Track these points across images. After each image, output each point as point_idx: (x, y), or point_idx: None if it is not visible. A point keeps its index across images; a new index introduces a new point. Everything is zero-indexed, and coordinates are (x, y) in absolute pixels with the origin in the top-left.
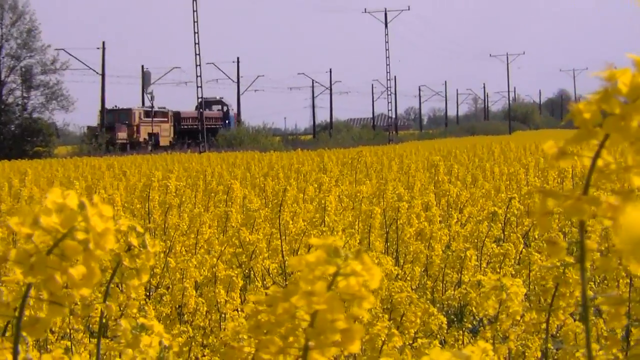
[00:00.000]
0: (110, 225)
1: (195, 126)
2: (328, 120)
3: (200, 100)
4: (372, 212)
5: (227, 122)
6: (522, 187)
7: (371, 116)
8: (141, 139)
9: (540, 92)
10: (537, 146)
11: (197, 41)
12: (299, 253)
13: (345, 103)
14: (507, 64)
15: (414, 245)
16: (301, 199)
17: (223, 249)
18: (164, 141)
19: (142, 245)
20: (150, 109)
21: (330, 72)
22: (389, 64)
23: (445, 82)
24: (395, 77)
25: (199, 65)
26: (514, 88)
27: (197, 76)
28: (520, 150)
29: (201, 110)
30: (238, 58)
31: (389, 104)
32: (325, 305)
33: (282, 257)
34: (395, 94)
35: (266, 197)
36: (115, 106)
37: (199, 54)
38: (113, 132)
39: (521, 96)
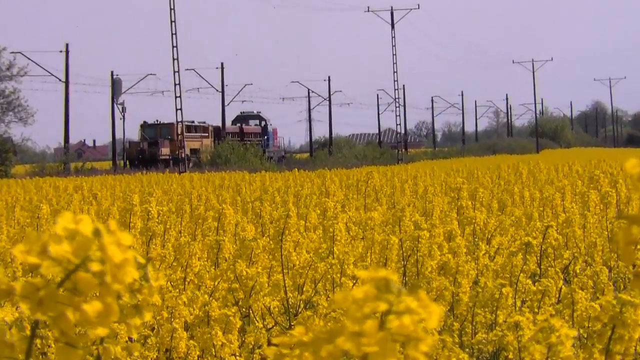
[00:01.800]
0: (129, 256)
1: (237, 141)
2: (327, 135)
3: (238, 114)
4: (389, 242)
5: (266, 138)
6: (558, 214)
7: (377, 131)
8: (184, 155)
9: (571, 105)
10: (570, 167)
11: (174, 44)
12: (304, 289)
13: (347, 116)
14: (533, 72)
15: (437, 280)
16: (302, 227)
17: (216, 283)
18: (205, 157)
19: (144, 278)
20: (191, 124)
21: (329, 80)
22: (396, 71)
23: (462, 92)
24: (403, 86)
25: (178, 71)
26: (542, 100)
27: (175, 84)
28: (552, 172)
29: (240, 124)
30: (222, 64)
31: (397, 117)
32: (377, 348)
33: (285, 293)
34: (405, 106)
35: (262, 224)
36: (157, 120)
37: (177, 59)
38: (157, 148)
39: (549, 109)
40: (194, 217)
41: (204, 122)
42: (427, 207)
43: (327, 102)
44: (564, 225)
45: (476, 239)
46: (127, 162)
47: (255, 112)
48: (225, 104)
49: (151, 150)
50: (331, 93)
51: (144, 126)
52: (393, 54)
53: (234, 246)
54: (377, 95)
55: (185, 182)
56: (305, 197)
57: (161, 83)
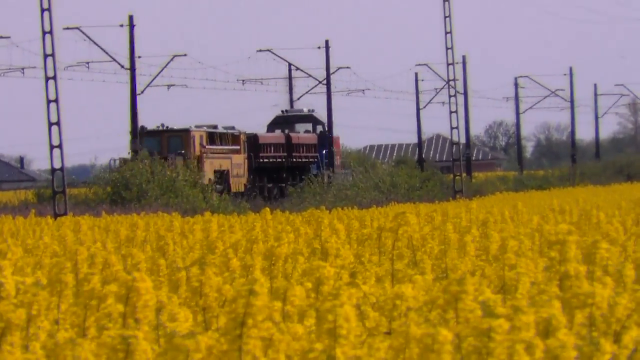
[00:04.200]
0: None
1: (280, 160)
2: None
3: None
4: (435, 340)
5: (325, 152)
6: None
7: (416, 140)
8: (205, 180)
9: None
10: None
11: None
12: None
13: (361, 113)
14: None
15: None
16: (279, 313)
17: None
18: (236, 185)
19: None
20: (214, 130)
21: (327, 47)
22: (450, 32)
23: (571, 70)
24: (463, 58)
25: (49, 32)
26: None
27: (45, 55)
28: None
29: (284, 131)
30: (131, 17)
31: (453, 114)
32: None
33: None
34: (466, 94)
35: (206, 308)
36: (162, 125)
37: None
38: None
39: None
40: (82, 296)
41: (233, 128)
42: (507, 276)
43: (325, 87)
44: None
45: (595, 334)
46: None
47: (305, 110)
48: (138, 92)
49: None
50: (330, 71)
51: (142, 134)
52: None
53: (156, 347)
54: (416, 75)
55: (67, 233)
56: (285, 259)
57: (23, 53)
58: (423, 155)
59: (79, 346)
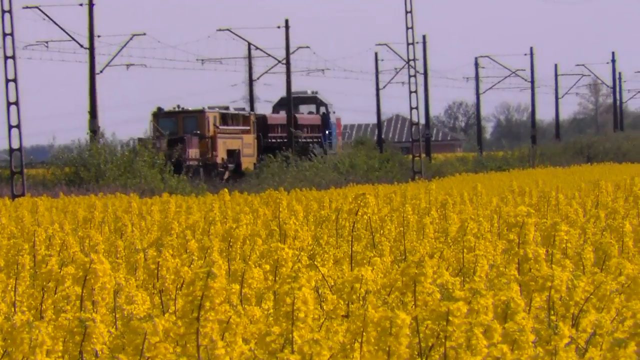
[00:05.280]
0: None
1: (285, 140)
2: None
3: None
4: (394, 323)
5: (327, 133)
6: None
7: (375, 121)
8: (218, 159)
9: None
10: None
11: None
12: None
13: (320, 92)
14: None
15: None
16: (236, 296)
17: None
18: (246, 164)
19: None
20: (226, 111)
21: (287, 27)
22: (410, 11)
23: (531, 50)
24: (424, 38)
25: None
26: None
27: (3, 35)
28: None
29: (290, 112)
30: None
31: (413, 94)
32: None
33: None
34: (426, 74)
35: (163, 290)
36: (178, 106)
37: None
38: (182, 148)
39: None
40: (39, 278)
41: (243, 109)
42: (466, 259)
43: (284, 66)
44: None
45: (554, 317)
46: None
47: (309, 92)
48: (97, 68)
49: (174, 152)
50: (290, 50)
51: (159, 115)
52: None
53: (113, 330)
54: (376, 54)
55: (24, 214)
56: (243, 241)
57: None
58: (382, 136)
59: (36, 329)
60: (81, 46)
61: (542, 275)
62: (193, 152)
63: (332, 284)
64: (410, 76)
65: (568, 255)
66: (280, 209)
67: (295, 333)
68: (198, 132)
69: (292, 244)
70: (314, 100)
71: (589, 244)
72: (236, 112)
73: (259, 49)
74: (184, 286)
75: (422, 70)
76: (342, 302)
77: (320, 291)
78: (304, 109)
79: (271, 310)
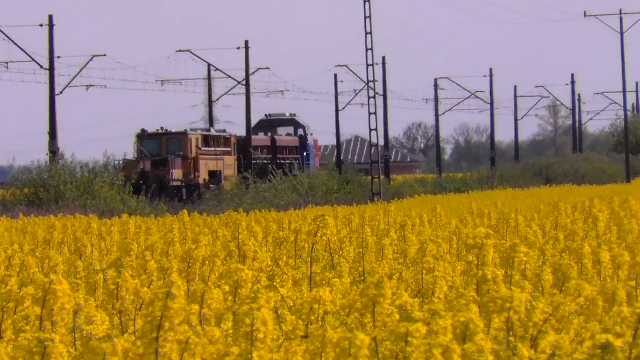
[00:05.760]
0: None
1: (267, 160)
2: None
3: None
4: (353, 344)
5: (305, 154)
6: None
7: (334, 142)
8: (200, 180)
9: None
10: None
11: None
12: None
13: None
14: (622, 34)
15: None
16: (196, 316)
17: None
18: (228, 184)
19: None
20: (208, 133)
21: (247, 49)
22: (370, 32)
23: (491, 71)
24: (384, 59)
25: None
26: (637, 85)
27: None
28: None
29: (269, 134)
30: (51, 17)
31: (372, 116)
32: None
33: None
34: (386, 96)
35: (123, 311)
36: (162, 128)
37: None
38: (165, 170)
39: None
40: None
41: (224, 131)
42: (425, 280)
43: (244, 87)
44: None
45: (513, 338)
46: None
47: (287, 114)
48: (57, 89)
49: (158, 173)
50: (250, 71)
51: (143, 137)
52: (365, 0)
53: (72, 351)
54: (335, 76)
55: None
56: (203, 261)
57: None
58: (342, 157)
59: None
60: (41, 67)
61: (501, 296)
62: (176, 173)
63: (292, 304)
64: (369, 97)
65: (527, 276)
66: (240, 230)
67: (255, 354)
68: (181, 153)
69: (252, 265)
70: (292, 122)
71: (548, 266)
72: (217, 133)
73: (218, 70)
74: (143, 307)
75: (381, 92)
76: (301, 323)
77: (279, 312)
78: (282, 131)
79: (231, 331)
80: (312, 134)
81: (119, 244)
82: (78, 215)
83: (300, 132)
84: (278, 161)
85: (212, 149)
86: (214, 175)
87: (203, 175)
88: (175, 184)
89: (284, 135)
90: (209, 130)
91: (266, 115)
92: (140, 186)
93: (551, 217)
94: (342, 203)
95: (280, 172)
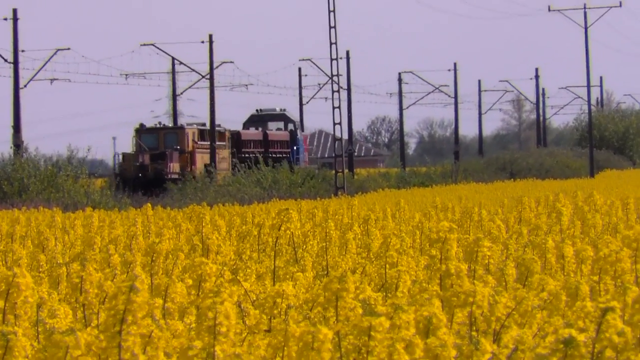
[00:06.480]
0: None
1: (259, 154)
2: None
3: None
4: (316, 338)
5: (295, 149)
6: (627, 288)
7: None
8: (197, 173)
9: None
10: None
11: None
12: None
13: (245, 108)
14: (586, 29)
15: None
16: (159, 310)
17: None
18: (221, 176)
19: None
20: (203, 127)
21: (210, 42)
22: (333, 26)
23: (455, 65)
24: (347, 53)
25: None
26: (600, 80)
27: None
28: (617, 211)
29: (261, 129)
30: (15, 11)
31: (336, 110)
32: None
33: None
34: (350, 90)
35: (86, 304)
36: (159, 123)
37: None
38: (163, 163)
39: (615, 97)
40: None
41: (219, 125)
42: (388, 274)
43: (208, 81)
44: (636, 307)
45: (475, 333)
46: (121, 183)
47: (278, 109)
48: (21, 83)
49: (156, 166)
50: (214, 65)
51: (141, 131)
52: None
53: (35, 344)
54: (299, 70)
55: None
56: (166, 255)
57: None
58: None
59: None
60: (5, 60)
61: (464, 290)
62: (174, 166)
63: (255, 298)
64: (333, 91)
65: (490, 271)
66: (203, 224)
67: (217, 347)
68: (178, 147)
69: (215, 259)
70: (282, 117)
71: (511, 260)
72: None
73: (182, 64)
74: (106, 300)
75: (345, 86)
76: (264, 317)
77: (242, 306)
78: (272, 125)
79: (194, 325)
80: (301, 129)
81: (83, 238)
82: (41, 208)
83: (291, 126)
84: (270, 155)
85: (208, 142)
86: (208, 169)
87: (199, 168)
88: (173, 176)
89: (275, 130)
90: (204, 125)
91: (257, 110)
92: (139, 178)
93: (515, 212)
94: (306, 197)
95: (244, 166)
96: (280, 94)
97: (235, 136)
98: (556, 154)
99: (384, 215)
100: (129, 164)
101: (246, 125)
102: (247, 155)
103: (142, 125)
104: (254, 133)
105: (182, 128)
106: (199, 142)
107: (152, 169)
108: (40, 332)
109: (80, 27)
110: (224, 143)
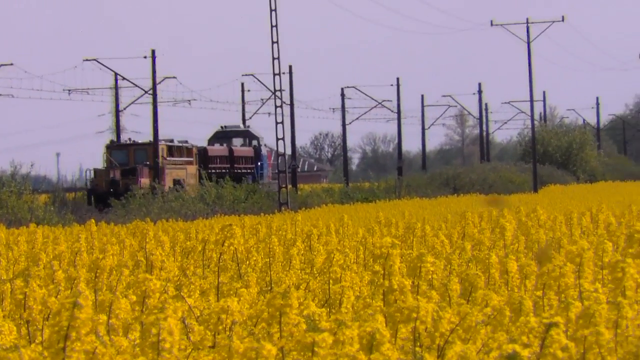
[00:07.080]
0: None
1: (225, 170)
2: None
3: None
4: (259, 354)
5: (259, 164)
6: (570, 303)
7: None
8: (166, 188)
9: (598, 105)
10: (594, 217)
11: None
12: None
13: (188, 123)
14: (528, 43)
15: None
16: (103, 326)
17: None
18: (190, 193)
19: None
20: (172, 144)
21: (153, 57)
22: (276, 41)
23: (398, 80)
24: (290, 68)
25: None
26: (544, 94)
27: None
28: (560, 226)
29: (226, 145)
30: None
31: (279, 125)
32: None
33: None
34: (292, 105)
35: (30, 321)
36: (129, 139)
37: None
38: (134, 178)
39: (558, 112)
40: None
41: (186, 142)
42: (332, 290)
43: (151, 96)
44: (580, 323)
45: (419, 348)
46: (92, 198)
47: (241, 126)
48: None
49: (126, 181)
50: (157, 81)
51: (112, 147)
52: (271, 9)
53: None
54: (242, 85)
55: None
56: (110, 271)
57: None
58: None
59: None
60: None
61: (408, 306)
62: (144, 181)
63: (199, 314)
64: (276, 107)
65: (434, 286)
66: (147, 240)
67: None
68: (148, 162)
69: (159, 275)
70: (246, 133)
71: (455, 275)
72: (180, 144)
73: (125, 79)
74: (50, 316)
75: (288, 101)
76: (209, 333)
77: (187, 322)
78: (237, 141)
79: (138, 341)
80: (265, 145)
81: (27, 254)
82: None
83: (255, 143)
84: (235, 171)
85: (176, 158)
86: (178, 184)
87: (168, 184)
88: (143, 191)
89: (239, 146)
90: (172, 141)
91: (222, 127)
92: (110, 193)
93: (458, 227)
94: (250, 212)
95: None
96: (223, 110)
97: (202, 152)
98: (499, 168)
99: (328, 230)
100: (101, 180)
101: (211, 141)
102: (213, 171)
103: (112, 141)
104: (220, 149)
105: (150, 144)
106: (167, 158)
107: (123, 184)
108: None
109: (22, 42)
110: (191, 159)
